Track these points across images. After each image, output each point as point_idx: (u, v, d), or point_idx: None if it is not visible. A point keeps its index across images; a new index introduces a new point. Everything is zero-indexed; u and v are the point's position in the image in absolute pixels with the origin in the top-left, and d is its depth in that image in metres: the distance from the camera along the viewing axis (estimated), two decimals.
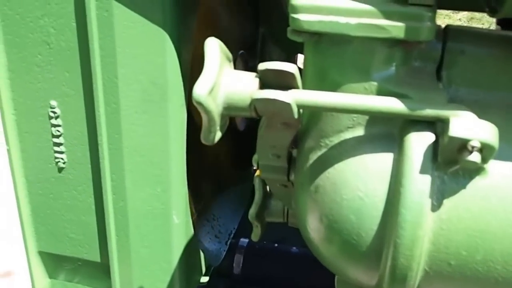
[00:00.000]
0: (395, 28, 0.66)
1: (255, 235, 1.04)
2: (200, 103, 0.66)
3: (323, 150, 0.77)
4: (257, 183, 1.05)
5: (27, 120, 1.10)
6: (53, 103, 1.06)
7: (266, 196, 1.04)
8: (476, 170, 0.67)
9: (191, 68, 1.02)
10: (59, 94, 1.05)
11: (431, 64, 0.74)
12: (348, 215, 0.73)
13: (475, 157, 0.63)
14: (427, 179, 0.67)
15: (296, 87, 0.70)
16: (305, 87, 0.74)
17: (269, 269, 1.57)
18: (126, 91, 1.00)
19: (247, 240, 1.67)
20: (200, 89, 0.66)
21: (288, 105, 0.67)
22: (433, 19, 0.66)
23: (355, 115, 0.73)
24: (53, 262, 1.24)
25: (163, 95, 1.00)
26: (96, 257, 1.20)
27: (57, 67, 1.03)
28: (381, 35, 0.67)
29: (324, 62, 0.73)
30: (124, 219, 1.11)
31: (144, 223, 1.12)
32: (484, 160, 0.64)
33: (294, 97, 0.67)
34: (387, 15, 0.66)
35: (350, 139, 0.75)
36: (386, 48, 0.70)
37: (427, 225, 0.68)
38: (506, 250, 0.69)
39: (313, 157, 0.78)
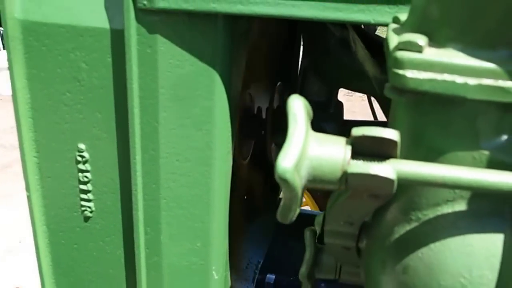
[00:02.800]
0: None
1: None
2: (285, 180, 0.53)
3: (414, 224, 0.65)
4: (308, 239, 0.93)
5: (51, 164, 0.97)
6: (82, 146, 0.94)
7: (317, 252, 0.92)
8: None
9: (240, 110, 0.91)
10: (89, 136, 0.93)
11: None
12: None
13: None
14: None
15: (394, 156, 0.58)
16: None
17: None
18: (167, 136, 0.87)
19: (273, 277, 1.58)
20: (286, 163, 0.53)
21: (391, 181, 0.55)
22: None
23: (458, 189, 0.61)
24: None
25: (209, 142, 0.87)
26: None
27: (88, 106, 0.91)
28: (503, 99, 0.55)
29: (424, 125, 0.60)
30: (157, 275, 0.99)
31: (180, 280, 0.99)
32: None
33: (396, 170, 0.55)
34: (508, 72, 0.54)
35: (449, 214, 0.62)
36: (502, 113, 0.58)
37: None
38: None
39: (400, 231, 0.66)
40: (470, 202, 0.62)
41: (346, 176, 0.57)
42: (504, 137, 0.60)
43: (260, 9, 0.75)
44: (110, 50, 0.85)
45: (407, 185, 0.64)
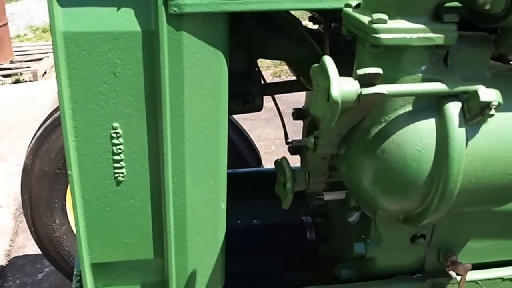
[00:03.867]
0: (439, 38, 1.02)
1: (288, 203, 1.34)
2: (337, 102, 0.95)
3: (384, 124, 1.11)
4: (285, 163, 1.34)
5: (88, 145, 1.21)
6: (116, 124, 1.21)
7: (293, 171, 1.34)
8: (485, 120, 1.08)
9: None
10: (122, 116, 1.20)
11: (441, 57, 1.12)
12: (411, 164, 1.09)
13: (494, 111, 1.03)
14: (462, 130, 1.06)
15: (378, 84, 1.02)
16: None
17: None
18: (190, 105, 1.20)
19: None
20: (336, 92, 0.95)
21: (384, 95, 1.00)
22: (456, 31, 1.04)
23: (405, 97, 1.08)
24: (105, 270, 1.36)
25: (218, 104, 1.22)
26: (150, 255, 1.36)
27: (121, 93, 1.18)
28: (429, 43, 1.03)
29: (384, 64, 1.05)
30: (182, 214, 1.31)
31: (199, 214, 1.32)
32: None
33: (387, 89, 1.00)
34: (434, 31, 1.02)
35: (404, 113, 1.09)
36: (427, 51, 1.06)
37: (464, 159, 1.08)
38: (502, 167, 1.12)
39: (375, 130, 1.12)
40: (414, 104, 1.09)
41: (359, 97, 1.00)
42: (429, 65, 1.08)
43: (256, 6, 1.13)
44: (141, 46, 1.14)
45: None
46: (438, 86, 1.04)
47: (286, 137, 1.97)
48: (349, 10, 1.11)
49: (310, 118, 2.00)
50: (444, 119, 1.07)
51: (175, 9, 1.10)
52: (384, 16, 1.00)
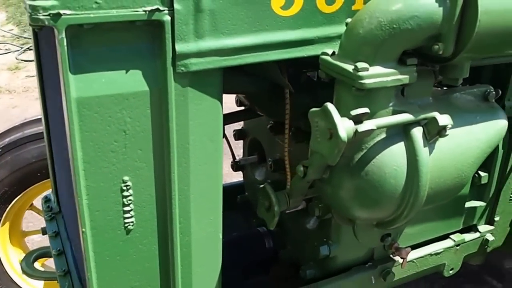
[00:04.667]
0: (406, 78, 1.26)
1: (274, 224, 1.52)
2: (344, 141, 1.14)
3: (364, 151, 1.32)
4: (269, 189, 1.52)
5: (99, 200, 1.27)
6: (126, 178, 1.28)
7: (277, 196, 1.52)
8: (440, 137, 1.34)
9: None
10: (132, 169, 1.27)
11: (399, 91, 1.36)
12: (390, 181, 1.32)
13: (448, 132, 1.30)
14: (426, 149, 1.31)
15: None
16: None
17: None
18: (194, 151, 1.31)
19: None
20: (343, 134, 1.15)
21: (373, 130, 1.22)
22: (415, 71, 1.28)
23: (382, 128, 1.30)
24: None
25: (216, 146, 1.35)
26: None
27: (131, 148, 1.25)
28: (400, 83, 1.26)
29: (365, 103, 1.26)
30: (188, 250, 1.41)
31: (202, 248, 1.44)
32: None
33: (375, 124, 1.22)
34: (402, 73, 1.25)
35: (380, 140, 1.32)
36: (394, 89, 1.29)
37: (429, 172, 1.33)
38: (452, 172, 1.39)
39: (358, 156, 1.33)
40: (387, 131, 1.32)
41: (355, 134, 1.20)
42: (394, 99, 1.31)
43: (250, 60, 1.28)
44: (149, 104, 1.23)
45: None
46: (407, 116, 1.29)
47: (233, 156, 2.14)
48: (327, 57, 1.30)
49: (250, 138, 2.18)
50: (412, 142, 1.31)
51: (182, 68, 1.21)
52: (366, 65, 1.22)
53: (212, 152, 1.35)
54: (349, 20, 1.32)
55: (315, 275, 1.85)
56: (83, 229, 1.27)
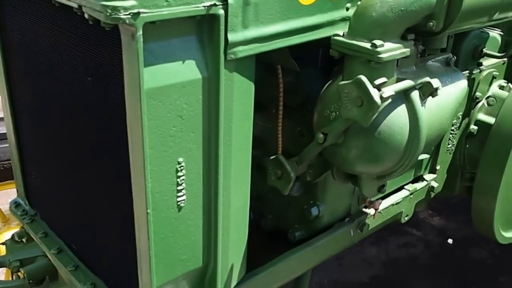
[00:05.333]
0: (408, 51, 1.52)
1: (287, 190, 1.72)
2: (379, 106, 1.37)
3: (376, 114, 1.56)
4: (283, 159, 1.71)
5: (158, 183, 1.36)
6: (180, 159, 1.39)
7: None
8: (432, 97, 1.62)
9: None
10: (185, 150, 1.39)
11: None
12: (397, 137, 1.58)
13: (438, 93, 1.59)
14: (423, 108, 1.59)
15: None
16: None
17: None
18: (236, 130, 1.45)
19: None
20: (379, 100, 1.37)
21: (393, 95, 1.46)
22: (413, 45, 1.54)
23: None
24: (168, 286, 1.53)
25: (250, 124, 1.51)
26: (199, 263, 1.57)
27: (185, 132, 1.37)
28: (404, 56, 1.52)
29: (379, 74, 1.50)
30: (227, 221, 1.56)
31: (237, 218, 1.59)
32: None
33: (393, 90, 1.46)
34: (405, 46, 1.51)
35: (388, 104, 1.56)
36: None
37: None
38: (437, 124, 1.69)
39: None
40: (392, 97, 1.58)
41: (381, 98, 1.43)
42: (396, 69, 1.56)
43: (278, 45, 1.44)
44: (201, 90, 1.35)
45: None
46: (409, 82, 1.55)
47: None
48: (341, 38, 1.52)
49: None
50: (412, 103, 1.58)
51: (232, 55, 1.34)
52: (382, 42, 1.45)
53: (247, 129, 1.50)
54: (349, 5, 1.54)
55: (303, 236, 2.07)
56: (148, 211, 1.36)
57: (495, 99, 2.37)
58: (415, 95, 1.58)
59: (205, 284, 1.63)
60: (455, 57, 1.86)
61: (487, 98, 2.38)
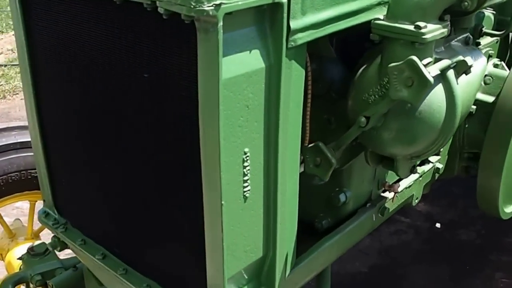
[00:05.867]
0: (446, 31, 1.59)
1: (328, 176, 1.76)
2: (431, 84, 1.44)
3: None
4: (323, 146, 1.75)
5: (228, 174, 1.37)
6: (246, 149, 1.40)
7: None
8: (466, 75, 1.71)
9: None
10: (250, 140, 1.40)
11: None
12: (436, 115, 1.65)
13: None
14: (458, 86, 1.67)
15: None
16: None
17: None
18: (291, 115, 1.48)
19: None
20: (432, 80, 1.43)
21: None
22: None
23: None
24: (233, 280, 1.53)
25: (301, 110, 1.54)
26: (260, 254, 1.58)
27: (251, 121, 1.38)
28: (443, 36, 1.59)
29: (422, 55, 1.56)
30: (284, 208, 1.58)
31: (292, 204, 1.61)
32: None
33: (438, 69, 1.53)
34: (444, 27, 1.58)
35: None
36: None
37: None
38: (467, 100, 1.78)
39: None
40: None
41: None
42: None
43: (333, 29, 1.48)
44: (264, 79, 1.37)
45: None
46: (447, 61, 1.63)
47: None
48: (382, 22, 1.57)
49: None
50: (448, 82, 1.65)
51: (292, 43, 1.37)
52: (425, 24, 1.52)
53: (299, 116, 1.53)
54: None
55: (330, 224, 2.11)
56: (222, 202, 1.37)
57: (492, 78, 2.49)
58: (450, 74, 1.66)
59: (263, 274, 1.64)
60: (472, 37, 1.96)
61: (484, 76, 2.50)
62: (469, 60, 1.65)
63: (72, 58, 1.64)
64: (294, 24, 1.36)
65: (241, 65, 1.31)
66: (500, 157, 2.36)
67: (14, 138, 2.49)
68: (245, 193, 1.45)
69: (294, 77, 1.44)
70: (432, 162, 2.53)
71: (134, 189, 1.67)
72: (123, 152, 1.63)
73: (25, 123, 2.82)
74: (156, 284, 1.72)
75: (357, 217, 2.16)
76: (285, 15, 1.33)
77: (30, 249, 2.29)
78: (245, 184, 1.44)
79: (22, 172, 2.45)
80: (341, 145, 1.77)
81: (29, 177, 2.47)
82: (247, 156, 1.41)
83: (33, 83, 1.80)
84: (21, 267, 2.37)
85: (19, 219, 2.82)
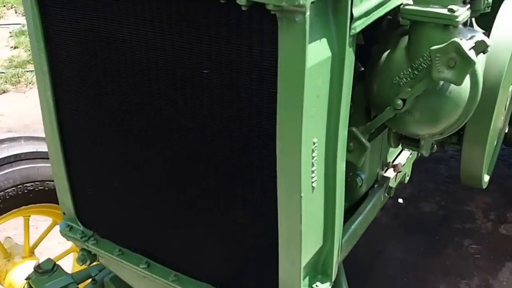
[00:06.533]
0: (468, 13, 1.67)
1: (361, 161, 1.81)
2: (475, 63, 1.51)
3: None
4: (357, 132, 1.79)
5: (305, 166, 1.37)
6: (315, 140, 1.40)
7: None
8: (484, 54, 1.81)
9: None
10: (317, 130, 1.41)
11: None
12: (462, 94, 1.74)
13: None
14: (479, 65, 1.77)
15: None
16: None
17: None
18: (343, 103, 1.48)
19: None
20: (475, 60, 1.51)
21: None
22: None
23: None
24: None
25: (349, 97, 1.56)
26: (320, 243, 1.59)
27: (319, 111, 1.39)
28: (467, 18, 1.67)
29: (451, 36, 1.64)
30: (340, 196, 1.60)
31: (341, 193, 1.63)
32: None
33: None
34: (467, 10, 1.66)
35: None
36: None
37: None
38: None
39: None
40: None
41: None
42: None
43: (375, 16, 1.51)
44: (329, 67, 1.38)
45: None
46: (471, 42, 1.71)
47: None
48: (412, 7, 1.63)
49: None
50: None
51: (353, 31, 1.39)
52: (456, 7, 1.59)
53: (348, 103, 1.54)
54: None
55: (345, 207, 2.17)
56: (302, 194, 1.36)
57: None
58: (472, 53, 1.75)
59: (319, 263, 1.66)
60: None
61: None
62: (488, 40, 1.75)
63: (104, 60, 1.55)
64: (355, 12, 1.37)
65: (315, 54, 1.30)
66: (485, 128, 2.52)
67: (7, 151, 2.29)
68: (313, 183, 1.45)
69: (350, 64, 1.46)
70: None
71: (188, 193, 1.61)
72: (174, 155, 1.57)
73: (15, 135, 2.64)
74: (212, 287, 1.68)
75: (370, 198, 2.23)
76: (348, 2, 1.34)
77: (37, 267, 2.14)
78: (313, 175, 1.44)
79: (19, 186, 2.26)
80: (371, 128, 1.82)
81: (26, 191, 2.29)
82: (316, 146, 1.42)
83: (52, 88, 1.68)
84: (25, 287, 2.21)
85: (9, 238, 2.62)
